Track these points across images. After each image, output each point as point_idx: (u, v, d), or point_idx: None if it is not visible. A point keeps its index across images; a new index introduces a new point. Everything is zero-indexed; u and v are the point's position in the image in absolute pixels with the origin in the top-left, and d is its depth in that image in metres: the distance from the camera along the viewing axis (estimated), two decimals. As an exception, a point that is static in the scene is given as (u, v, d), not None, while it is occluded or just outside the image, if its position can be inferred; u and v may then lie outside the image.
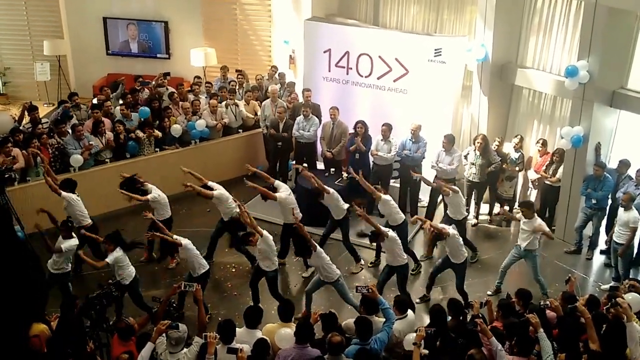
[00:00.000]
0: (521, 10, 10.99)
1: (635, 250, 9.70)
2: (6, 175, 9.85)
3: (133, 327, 6.66)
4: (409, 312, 7.14)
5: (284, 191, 9.62)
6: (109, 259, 8.13)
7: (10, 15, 15.07)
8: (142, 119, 11.67)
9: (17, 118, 11.86)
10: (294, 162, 12.22)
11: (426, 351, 6.22)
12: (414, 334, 6.33)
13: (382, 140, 11.07)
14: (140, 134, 11.33)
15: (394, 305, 7.04)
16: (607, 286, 9.34)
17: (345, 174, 11.42)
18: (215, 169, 12.13)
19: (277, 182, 9.98)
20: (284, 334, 6.57)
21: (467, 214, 10.04)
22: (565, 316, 6.86)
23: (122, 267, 8.23)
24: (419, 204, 11.42)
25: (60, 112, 11.84)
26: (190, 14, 14.93)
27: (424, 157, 11.10)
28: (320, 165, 12.07)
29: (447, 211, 9.98)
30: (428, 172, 11.20)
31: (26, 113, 11.77)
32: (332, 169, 11.64)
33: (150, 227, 9.07)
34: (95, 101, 12.53)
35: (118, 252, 8.17)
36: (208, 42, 14.83)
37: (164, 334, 6.27)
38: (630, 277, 9.14)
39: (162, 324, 6.31)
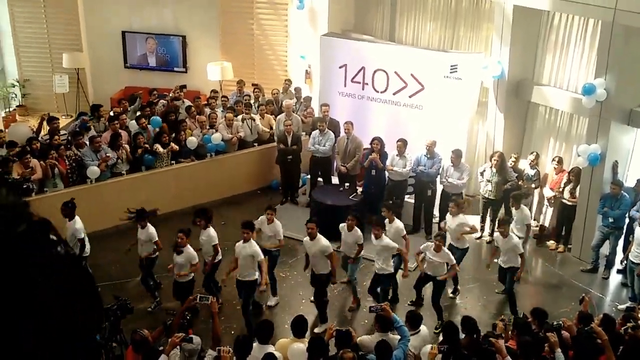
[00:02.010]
0: (538, 27, 11.00)
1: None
2: (24, 186, 9.96)
3: (148, 339, 6.68)
4: (422, 327, 7.11)
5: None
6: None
7: (30, 27, 15.23)
8: (155, 129, 11.73)
9: (35, 129, 11.96)
10: (308, 176, 12.25)
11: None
12: (429, 346, 6.31)
13: (397, 155, 11.07)
14: (160, 149, 11.35)
15: (406, 321, 7.00)
16: (623, 306, 9.24)
17: (359, 189, 11.43)
18: (231, 182, 12.22)
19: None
20: (296, 349, 6.56)
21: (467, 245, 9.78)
22: (580, 336, 6.79)
23: None
24: (433, 220, 11.37)
25: (78, 124, 11.93)
26: (207, 29, 15.04)
27: (438, 173, 11.07)
28: (335, 180, 12.07)
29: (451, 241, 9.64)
30: (439, 188, 11.19)
31: (45, 124, 11.87)
32: (347, 184, 11.62)
33: None
34: (112, 113, 12.61)
35: None
36: (225, 56, 14.90)
37: (178, 346, 6.29)
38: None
39: (177, 337, 6.33)
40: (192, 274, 8.63)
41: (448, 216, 9.73)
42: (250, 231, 8.45)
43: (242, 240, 8.49)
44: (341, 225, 9.36)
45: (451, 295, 9.74)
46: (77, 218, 8.96)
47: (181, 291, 8.54)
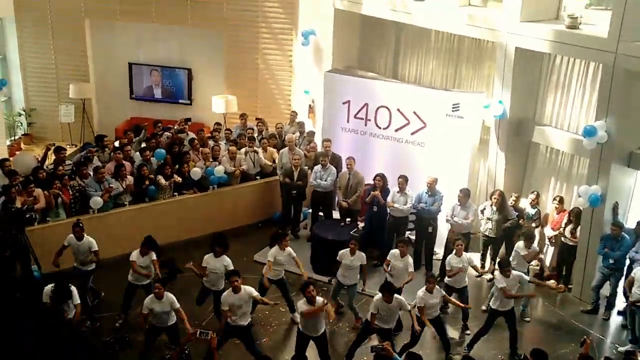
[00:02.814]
0: (539, 68, 11.08)
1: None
2: (27, 215, 9.94)
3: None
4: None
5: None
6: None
7: (39, 57, 15.35)
8: (159, 162, 11.75)
9: (40, 159, 11.98)
10: (309, 210, 12.25)
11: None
12: None
13: (398, 192, 11.06)
14: (162, 180, 11.37)
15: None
16: (624, 348, 9.14)
17: (360, 224, 11.43)
18: (233, 215, 12.21)
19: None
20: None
21: (466, 283, 9.74)
22: (582, 379, 6.74)
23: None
24: (434, 257, 11.32)
25: (83, 155, 11.97)
26: (213, 62, 15.17)
27: (440, 211, 11.05)
28: (336, 215, 12.06)
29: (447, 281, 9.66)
30: (443, 226, 11.17)
31: (50, 154, 11.89)
32: (348, 219, 11.63)
33: None
34: (117, 144, 12.66)
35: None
36: (229, 90, 15.00)
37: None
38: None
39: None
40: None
41: (451, 255, 9.73)
42: (239, 278, 8.22)
43: (231, 290, 8.18)
44: (341, 251, 9.49)
45: (467, 332, 9.67)
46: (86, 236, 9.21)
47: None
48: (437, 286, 8.69)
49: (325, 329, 8.23)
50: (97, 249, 9.23)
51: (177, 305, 8.19)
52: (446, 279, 9.57)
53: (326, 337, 8.28)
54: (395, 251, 9.54)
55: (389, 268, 9.49)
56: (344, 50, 13.70)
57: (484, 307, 9.94)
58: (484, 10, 11.58)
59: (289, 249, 9.44)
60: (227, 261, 9.01)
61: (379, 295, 8.28)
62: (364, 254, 9.53)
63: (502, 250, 10.92)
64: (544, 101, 11.22)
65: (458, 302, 9.26)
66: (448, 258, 9.73)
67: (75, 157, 12.30)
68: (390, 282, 8.74)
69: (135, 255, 9.07)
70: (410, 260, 9.56)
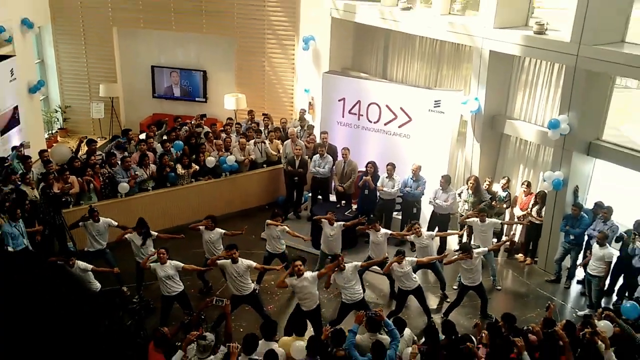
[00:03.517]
0: (510, 69, 11.05)
1: (607, 282, 9.58)
2: (63, 199, 9.98)
3: (167, 335, 6.66)
4: (406, 330, 7.05)
5: None
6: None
7: (72, 62, 15.34)
8: (178, 152, 11.77)
9: (74, 150, 11.99)
10: (309, 194, 12.27)
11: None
12: (409, 349, 6.29)
13: (387, 177, 11.09)
14: (180, 169, 11.39)
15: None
16: (582, 313, 9.20)
17: (354, 206, 11.46)
18: (242, 198, 12.24)
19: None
20: (297, 346, 6.53)
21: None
22: (545, 340, 6.77)
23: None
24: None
25: (113, 145, 11.97)
26: (225, 65, 15.15)
27: (423, 194, 11.09)
28: (332, 198, 12.08)
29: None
30: (426, 207, 11.20)
31: (82, 145, 11.91)
32: (343, 202, 11.67)
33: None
34: (142, 137, 12.66)
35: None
36: (239, 89, 14.99)
37: (194, 342, 6.27)
38: (604, 306, 9.03)
39: (192, 334, 6.32)
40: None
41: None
42: (236, 251, 8.18)
43: (230, 261, 8.15)
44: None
45: (447, 300, 9.68)
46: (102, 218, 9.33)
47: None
48: (406, 259, 8.66)
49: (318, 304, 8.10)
50: (116, 223, 9.35)
51: (182, 265, 8.27)
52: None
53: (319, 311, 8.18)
54: (371, 231, 9.53)
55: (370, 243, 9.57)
56: (340, 53, 13.66)
57: (454, 287, 9.88)
58: (462, 18, 11.52)
59: (283, 225, 9.50)
60: (219, 232, 9.16)
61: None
62: (341, 222, 9.71)
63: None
64: (514, 98, 11.20)
65: (427, 259, 9.20)
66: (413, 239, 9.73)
67: (106, 148, 12.29)
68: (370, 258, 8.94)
69: (132, 235, 9.04)
70: (387, 231, 9.64)
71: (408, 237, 9.73)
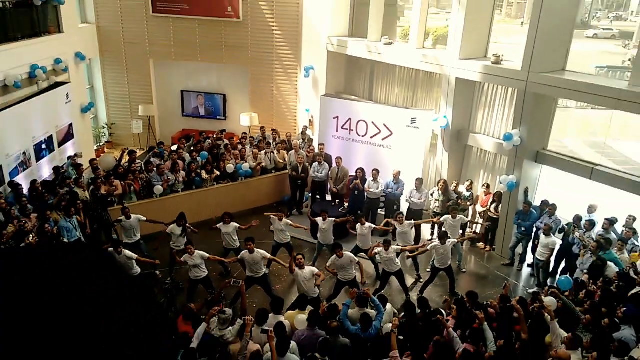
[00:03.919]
0: (472, 92, 11.06)
1: (552, 265, 9.57)
2: (109, 199, 9.95)
3: (194, 310, 6.64)
4: (388, 305, 7.03)
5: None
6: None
7: (117, 87, 15.33)
8: (203, 161, 11.75)
9: (117, 158, 11.97)
10: (310, 194, 12.25)
11: (401, 337, 6.13)
12: (390, 325, 6.26)
13: (372, 181, 11.07)
14: (205, 175, 11.37)
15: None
16: (532, 290, 9.19)
17: (346, 204, 11.44)
18: (255, 198, 12.19)
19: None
20: (300, 319, 6.52)
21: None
22: (502, 313, 6.76)
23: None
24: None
25: (152, 154, 11.92)
26: (241, 89, 15.14)
27: (402, 194, 11.08)
28: (328, 198, 12.06)
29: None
30: (405, 205, 11.18)
31: (125, 155, 11.89)
32: (337, 201, 11.65)
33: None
34: (174, 148, 12.64)
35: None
36: (253, 109, 14.97)
37: (215, 316, 6.25)
38: (549, 284, 9.02)
39: (214, 309, 6.29)
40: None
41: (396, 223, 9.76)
42: (252, 243, 8.17)
43: (247, 252, 8.16)
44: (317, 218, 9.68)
45: (421, 280, 9.65)
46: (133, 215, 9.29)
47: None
48: (392, 246, 8.66)
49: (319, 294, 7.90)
50: (145, 218, 9.28)
51: (207, 255, 8.27)
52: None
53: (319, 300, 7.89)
54: (358, 226, 9.53)
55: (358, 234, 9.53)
56: (334, 80, 13.66)
57: (427, 269, 9.84)
58: (433, 51, 11.53)
59: (285, 219, 9.48)
60: (234, 225, 9.17)
61: (334, 255, 8.23)
62: (332, 219, 9.62)
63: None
64: (476, 116, 11.21)
65: (409, 248, 9.27)
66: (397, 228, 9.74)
67: (146, 158, 12.23)
68: (357, 248, 8.93)
69: (172, 228, 9.03)
70: (370, 225, 9.62)
71: (392, 223, 9.67)
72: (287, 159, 12.44)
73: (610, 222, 9.03)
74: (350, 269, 8.26)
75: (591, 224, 9.10)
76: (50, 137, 11.55)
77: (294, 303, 7.79)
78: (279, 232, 9.45)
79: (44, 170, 11.24)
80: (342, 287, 8.33)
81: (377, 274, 9.72)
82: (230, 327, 6.24)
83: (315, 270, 7.80)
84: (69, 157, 11.52)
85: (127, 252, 8.23)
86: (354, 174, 11.32)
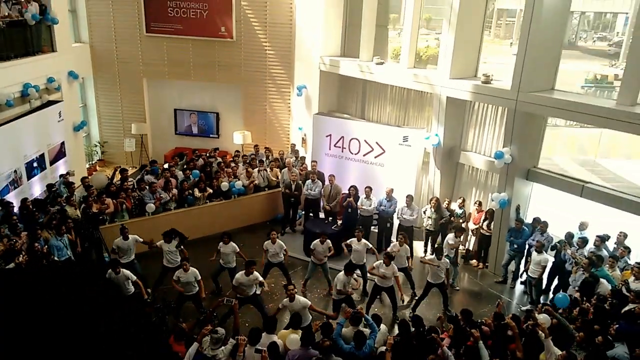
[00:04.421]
0: (463, 110, 11.15)
1: (545, 283, 9.56)
2: (100, 218, 9.86)
3: (185, 329, 6.53)
4: (382, 325, 6.96)
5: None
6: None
7: (109, 105, 15.32)
8: (195, 179, 11.70)
9: (109, 177, 11.90)
10: (303, 212, 12.21)
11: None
12: (384, 348, 6.17)
13: (365, 198, 11.07)
14: (197, 193, 11.31)
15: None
16: (525, 308, 9.12)
17: (339, 222, 11.41)
18: (248, 215, 12.14)
19: None
20: (292, 338, 6.43)
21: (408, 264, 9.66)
22: (496, 330, 6.71)
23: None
24: (391, 244, 11.29)
25: (146, 171, 11.81)
26: (234, 108, 15.18)
27: (394, 211, 11.07)
28: (322, 215, 12.03)
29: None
30: (396, 222, 11.17)
31: (117, 173, 11.82)
32: (330, 218, 11.61)
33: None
34: (166, 166, 12.59)
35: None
36: (246, 127, 14.99)
37: (207, 335, 6.15)
38: (542, 302, 8.99)
39: (206, 328, 6.19)
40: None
41: (395, 243, 9.68)
42: (253, 266, 8.08)
43: (244, 274, 8.05)
44: (314, 242, 9.45)
45: (416, 297, 9.53)
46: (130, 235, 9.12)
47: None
48: (392, 263, 8.64)
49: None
50: (142, 239, 9.10)
51: (199, 277, 8.23)
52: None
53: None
54: (354, 239, 9.46)
55: (352, 250, 9.41)
56: (327, 98, 13.72)
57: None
58: (424, 71, 11.65)
59: (278, 241, 9.35)
60: (233, 246, 9.06)
61: (342, 272, 8.21)
62: (329, 242, 9.46)
63: (439, 239, 10.92)
64: (467, 134, 11.28)
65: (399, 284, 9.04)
66: (393, 245, 9.68)
67: (138, 176, 12.15)
68: (351, 263, 8.71)
69: (164, 244, 8.96)
70: (367, 242, 9.49)
71: (393, 248, 9.49)
72: (280, 177, 12.42)
73: (602, 239, 9.07)
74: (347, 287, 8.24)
75: (584, 241, 9.13)
76: (42, 155, 11.49)
77: (289, 323, 7.68)
78: (272, 254, 9.37)
79: (35, 188, 11.14)
80: (339, 305, 8.27)
81: (364, 290, 9.62)
82: (223, 347, 6.13)
83: (308, 303, 7.55)
84: (60, 175, 11.43)
85: (126, 272, 8.14)
86: (347, 192, 11.31)
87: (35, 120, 11.21)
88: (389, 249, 9.47)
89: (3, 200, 9.60)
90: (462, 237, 9.98)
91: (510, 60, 9.61)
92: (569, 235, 9.39)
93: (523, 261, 10.17)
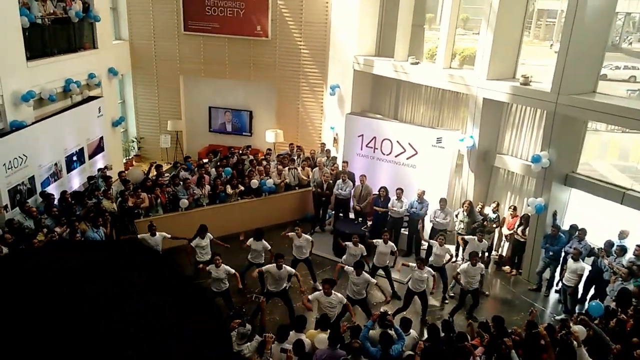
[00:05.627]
0: (500, 113, 10.93)
1: (581, 292, 9.26)
2: (135, 212, 10.07)
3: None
4: (412, 330, 6.87)
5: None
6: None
7: (147, 102, 15.63)
8: (227, 177, 11.83)
9: (145, 172, 12.14)
10: (333, 211, 12.19)
11: None
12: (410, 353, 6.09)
13: (396, 199, 10.97)
14: (229, 190, 11.45)
15: (400, 325, 6.79)
16: (559, 317, 8.89)
17: (369, 222, 11.34)
18: (278, 214, 12.17)
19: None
20: (321, 338, 6.43)
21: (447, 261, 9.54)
22: (528, 339, 6.54)
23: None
24: (421, 247, 11.16)
25: (180, 168, 12.02)
26: (267, 106, 15.28)
27: (426, 214, 10.93)
28: (351, 215, 11.98)
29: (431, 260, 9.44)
30: (427, 225, 11.02)
31: (152, 169, 12.06)
32: (360, 219, 11.55)
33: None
34: (205, 161, 12.77)
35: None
36: (278, 125, 15.07)
37: (235, 329, 6.21)
38: (577, 311, 8.72)
39: (235, 322, 6.26)
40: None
41: (436, 245, 9.54)
42: (281, 260, 8.16)
43: (276, 267, 8.16)
44: (347, 243, 9.35)
45: (446, 301, 9.49)
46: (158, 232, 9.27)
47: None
48: (426, 267, 8.55)
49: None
50: (169, 235, 9.23)
51: (232, 271, 8.27)
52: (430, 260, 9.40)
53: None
54: (380, 240, 9.38)
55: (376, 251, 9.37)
56: (360, 98, 13.66)
57: (452, 294, 9.67)
58: (460, 71, 11.46)
59: (304, 235, 9.43)
60: (264, 244, 9.14)
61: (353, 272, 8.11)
62: (393, 244, 9.39)
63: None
64: (503, 136, 11.05)
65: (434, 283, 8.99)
66: (434, 248, 9.56)
67: (173, 172, 12.32)
68: (360, 261, 8.58)
69: (195, 241, 9.07)
70: (392, 244, 9.45)
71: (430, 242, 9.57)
72: (311, 176, 12.43)
73: (643, 249, 8.71)
74: (363, 288, 8.19)
75: (622, 250, 8.81)
76: (82, 149, 11.82)
77: (316, 323, 7.69)
78: (297, 248, 9.39)
79: (74, 181, 11.48)
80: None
81: (393, 292, 9.50)
82: (249, 343, 6.18)
83: (344, 300, 7.54)
84: (98, 169, 11.75)
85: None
86: (377, 193, 11.23)
87: (76, 115, 11.54)
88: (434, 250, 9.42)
89: (44, 192, 9.93)
90: (483, 241, 9.70)
91: (550, 62, 9.33)
92: (609, 244, 9.08)
93: (558, 269, 9.88)
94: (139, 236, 9.31)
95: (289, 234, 9.46)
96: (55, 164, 10.82)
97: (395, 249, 9.51)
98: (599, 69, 9.29)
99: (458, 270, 8.91)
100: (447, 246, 9.50)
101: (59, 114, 11.01)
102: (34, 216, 8.90)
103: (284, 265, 8.15)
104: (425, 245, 11.13)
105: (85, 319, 0.69)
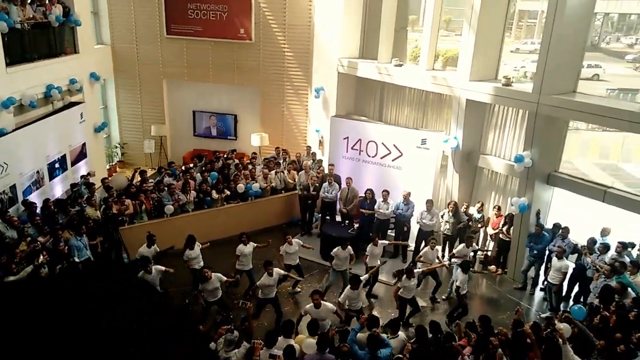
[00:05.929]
0: (483, 113, 11.03)
1: (565, 290, 9.39)
2: (119, 219, 9.97)
3: (200, 330, 6.56)
4: (400, 332, 6.89)
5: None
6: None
7: (130, 107, 15.49)
8: (213, 181, 11.77)
9: (129, 178, 12.02)
10: (319, 214, 12.19)
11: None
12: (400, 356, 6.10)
13: (382, 201, 11.01)
14: (215, 195, 11.38)
15: (387, 326, 6.80)
16: (544, 315, 9.01)
17: (356, 225, 11.36)
18: (264, 218, 12.14)
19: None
20: (309, 342, 6.43)
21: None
22: (514, 338, 6.61)
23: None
24: (407, 249, 11.22)
25: (164, 173, 11.92)
26: (252, 110, 15.23)
27: (412, 215, 10.98)
28: (338, 218, 12.00)
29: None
30: (414, 226, 11.08)
31: (137, 175, 11.94)
32: (347, 221, 11.57)
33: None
34: (184, 168, 12.68)
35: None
36: (263, 129, 15.02)
37: (223, 336, 6.17)
38: (562, 309, 8.83)
39: (223, 329, 6.22)
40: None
41: (427, 249, 9.59)
42: (270, 267, 8.17)
43: (266, 274, 8.16)
44: (335, 249, 9.33)
45: (437, 301, 9.62)
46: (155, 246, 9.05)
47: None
48: (415, 270, 8.57)
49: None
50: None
51: (224, 278, 8.21)
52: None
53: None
54: (369, 246, 9.43)
55: (368, 254, 9.41)
56: (344, 101, 13.68)
57: (444, 297, 9.73)
58: (443, 73, 11.56)
59: (294, 240, 9.41)
60: (252, 245, 9.16)
61: (349, 287, 8.06)
62: (350, 248, 9.28)
63: (457, 244, 10.78)
64: (486, 137, 11.16)
65: (430, 267, 9.22)
66: (425, 251, 9.60)
67: (158, 177, 12.21)
68: (356, 277, 8.31)
69: (186, 253, 8.98)
70: (382, 242, 9.56)
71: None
72: (297, 179, 12.42)
73: (624, 246, 8.86)
74: (358, 300, 8.21)
75: (605, 248, 8.94)
76: (64, 156, 11.67)
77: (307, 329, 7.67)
78: (289, 255, 9.37)
79: (57, 189, 11.33)
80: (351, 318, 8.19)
81: (370, 293, 9.53)
82: (236, 350, 6.15)
83: (333, 308, 7.52)
84: (81, 176, 11.60)
85: (157, 267, 8.26)
86: (363, 195, 11.26)
87: (58, 122, 11.39)
88: (422, 257, 9.48)
89: (26, 200, 9.77)
90: (472, 245, 9.81)
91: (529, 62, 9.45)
92: (592, 241, 9.21)
93: (543, 267, 10.00)
94: (139, 251, 8.94)
95: (281, 252, 9.30)
96: (37, 172, 10.66)
97: (386, 243, 9.71)
98: (579, 69, 9.44)
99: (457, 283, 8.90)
100: (438, 248, 9.53)
101: (40, 120, 10.86)
102: (16, 226, 8.75)
103: (274, 270, 8.12)
104: (411, 247, 11.20)
105: (88, 316, 0.70)
